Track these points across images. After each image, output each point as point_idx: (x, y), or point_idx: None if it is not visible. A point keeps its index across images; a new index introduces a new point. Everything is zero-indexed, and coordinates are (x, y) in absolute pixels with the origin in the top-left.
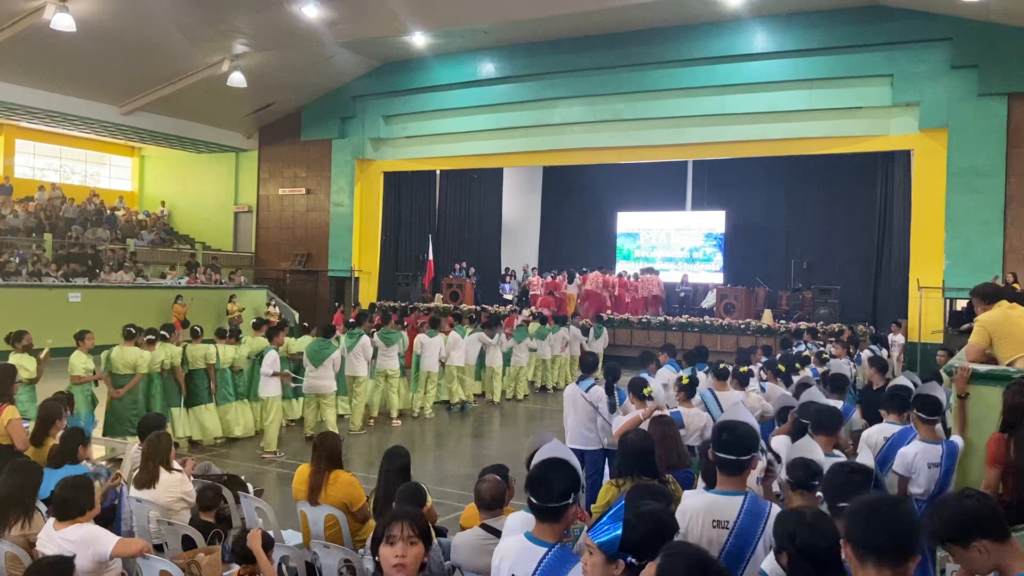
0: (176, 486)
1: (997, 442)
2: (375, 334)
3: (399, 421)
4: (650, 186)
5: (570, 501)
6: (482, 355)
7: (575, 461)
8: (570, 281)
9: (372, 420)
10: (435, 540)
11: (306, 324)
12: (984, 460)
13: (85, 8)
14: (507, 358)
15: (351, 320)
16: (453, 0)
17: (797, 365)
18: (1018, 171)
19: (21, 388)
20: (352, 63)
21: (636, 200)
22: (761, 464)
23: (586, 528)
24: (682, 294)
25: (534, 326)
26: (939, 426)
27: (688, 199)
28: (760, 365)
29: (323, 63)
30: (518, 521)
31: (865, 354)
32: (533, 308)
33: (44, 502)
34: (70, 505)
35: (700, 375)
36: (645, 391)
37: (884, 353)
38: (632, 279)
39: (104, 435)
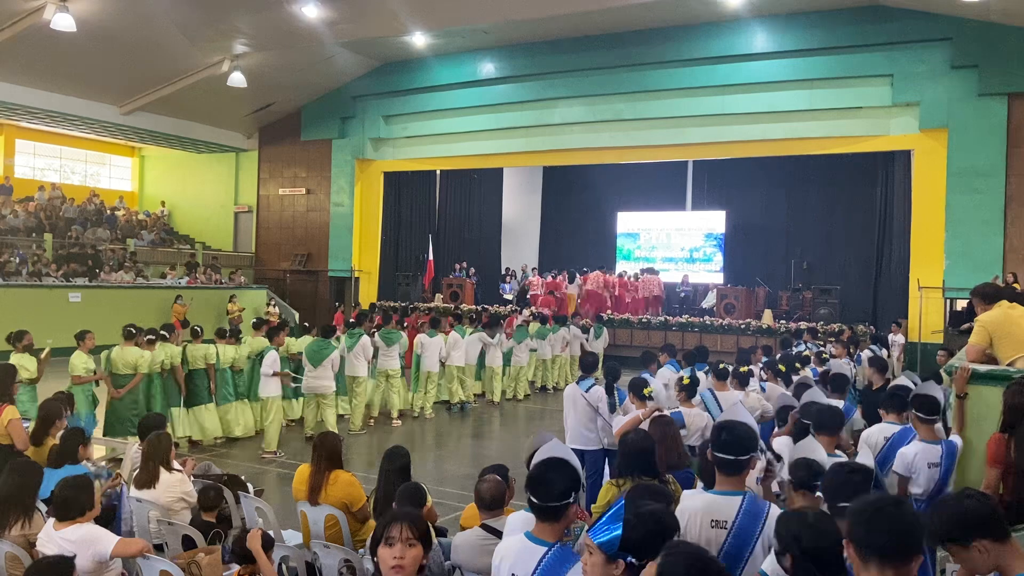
0: (176, 486)
1: (997, 442)
2: (376, 334)
3: (399, 421)
4: (650, 186)
5: (570, 500)
6: (482, 355)
7: (575, 460)
8: (571, 281)
9: (372, 420)
10: (435, 541)
11: (306, 324)
12: (984, 460)
13: (85, 8)
14: (507, 358)
15: (351, 320)
16: (453, 0)
17: (797, 365)
18: (1018, 171)
19: (22, 388)
20: (352, 63)
21: (636, 200)
22: (760, 464)
23: (586, 528)
24: (682, 294)
25: (534, 326)
26: (939, 425)
27: (688, 199)
28: (760, 365)
29: (323, 63)
30: (519, 521)
31: (865, 354)
32: (533, 308)
33: (44, 502)
34: (70, 505)
35: (700, 375)
36: (645, 391)
37: (884, 353)
38: (632, 279)
39: (104, 435)
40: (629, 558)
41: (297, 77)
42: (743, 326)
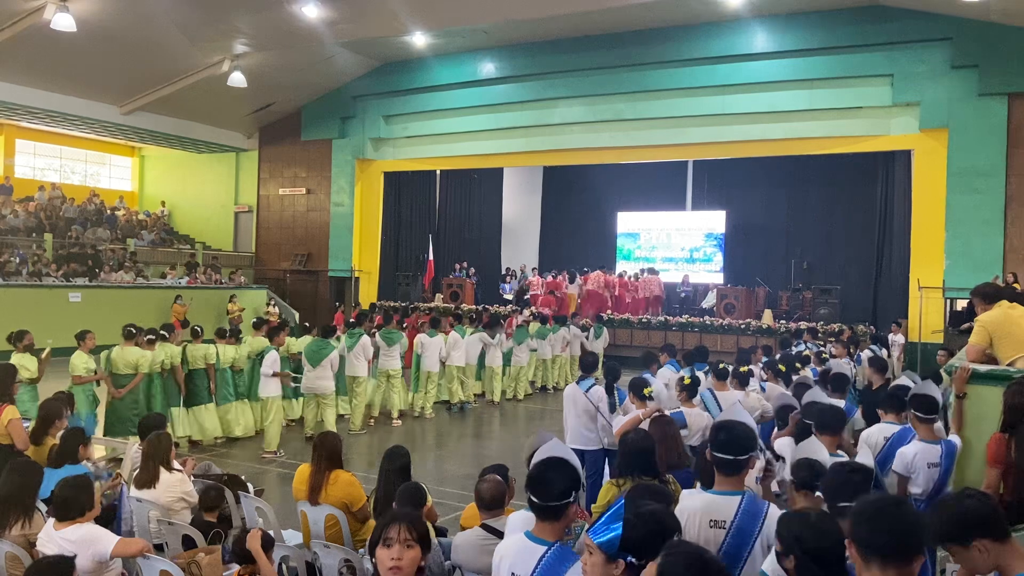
0: (176, 486)
1: (997, 442)
2: (376, 334)
3: (399, 421)
4: (650, 186)
5: (570, 500)
6: (482, 355)
7: (575, 460)
8: (571, 281)
9: (373, 420)
10: (435, 541)
11: (306, 324)
12: (984, 460)
13: (85, 8)
14: (507, 358)
15: (351, 320)
16: (453, 0)
17: (797, 365)
18: (1018, 171)
19: (22, 388)
20: (352, 63)
21: (636, 200)
22: (759, 464)
23: (586, 527)
24: (682, 294)
25: (534, 326)
26: (939, 425)
27: (688, 199)
28: (760, 365)
29: (323, 63)
30: (519, 520)
31: (865, 354)
32: (533, 308)
33: (44, 502)
34: (70, 505)
35: (700, 375)
36: (645, 391)
37: (884, 353)
38: (633, 279)
39: (104, 435)
40: (629, 558)
41: (297, 77)
42: (743, 326)
